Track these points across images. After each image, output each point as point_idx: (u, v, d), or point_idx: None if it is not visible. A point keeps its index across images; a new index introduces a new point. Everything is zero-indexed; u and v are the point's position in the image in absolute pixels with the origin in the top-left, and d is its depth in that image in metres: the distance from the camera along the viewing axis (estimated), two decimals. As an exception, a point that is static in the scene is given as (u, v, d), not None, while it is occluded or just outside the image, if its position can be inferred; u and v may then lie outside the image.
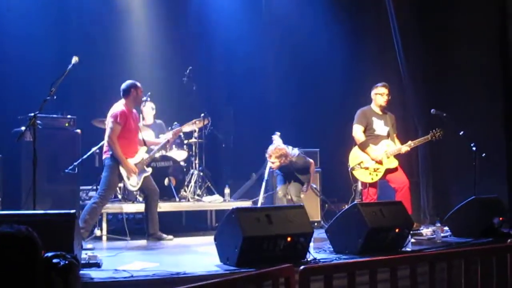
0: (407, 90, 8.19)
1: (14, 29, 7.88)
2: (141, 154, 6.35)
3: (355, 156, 6.72)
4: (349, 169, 6.70)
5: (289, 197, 6.93)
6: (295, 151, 6.88)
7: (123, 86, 6.23)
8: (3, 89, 7.56)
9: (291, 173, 6.94)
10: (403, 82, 8.19)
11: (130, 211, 6.95)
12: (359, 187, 7.02)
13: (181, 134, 7.91)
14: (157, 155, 7.23)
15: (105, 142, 6.17)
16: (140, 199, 6.98)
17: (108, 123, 6.09)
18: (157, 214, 6.39)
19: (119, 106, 6.15)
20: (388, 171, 6.60)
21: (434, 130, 6.63)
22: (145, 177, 6.25)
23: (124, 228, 6.36)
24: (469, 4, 7.77)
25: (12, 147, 6.45)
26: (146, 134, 7.48)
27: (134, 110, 6.40)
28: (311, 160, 7.02)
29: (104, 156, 6.17)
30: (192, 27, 9.53)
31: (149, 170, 6.35)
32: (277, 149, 6.67)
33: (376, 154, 6.58)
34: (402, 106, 8.27)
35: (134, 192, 7.02)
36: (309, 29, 9.33)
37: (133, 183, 6.18)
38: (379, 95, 6.74)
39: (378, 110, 6.80)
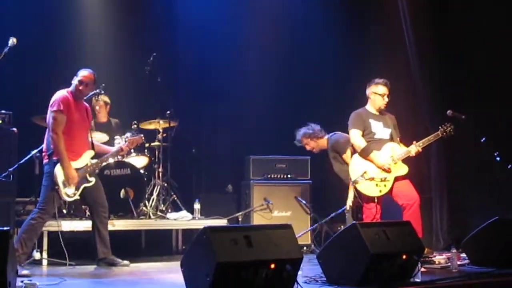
0: (417, 88, 8.23)
1: None
2: (86, 158, 6.22)
3: (356, 166, 6.71)
4: (351, 182, 6.71)
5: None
6: None
7: None
8: None
9: None
10: (413, 79, 8.24)
11: (77, 229, 6.88)
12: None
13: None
14: (110, 161, 7.15)
15: (44, 143, 6.05)
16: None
17: (49, 114, 5.98)
18: (108, 233, 6.33)
19: (61, 92, 6.07)
20: (397, 180, 6.62)
21: (444, 125, 6.67)
22: (85, 187, 6.16)
23: (69, 251, 6.26)
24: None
25: None
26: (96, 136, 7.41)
27: (87, 104, 6.33)
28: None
29: (44, 161, 6.07)
30: (157, 2, 9.48)
31: (92, 180, 6.23)
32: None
33: (383, 161, 6.60)
34: (410, 108, 8.31)
35: (83, 206, 6.95)
36: (303, 11, 9.35)
37: (69, 192, 6.04)
38: (379, 96, 6.80)
39: (374, 111, 6.85)
